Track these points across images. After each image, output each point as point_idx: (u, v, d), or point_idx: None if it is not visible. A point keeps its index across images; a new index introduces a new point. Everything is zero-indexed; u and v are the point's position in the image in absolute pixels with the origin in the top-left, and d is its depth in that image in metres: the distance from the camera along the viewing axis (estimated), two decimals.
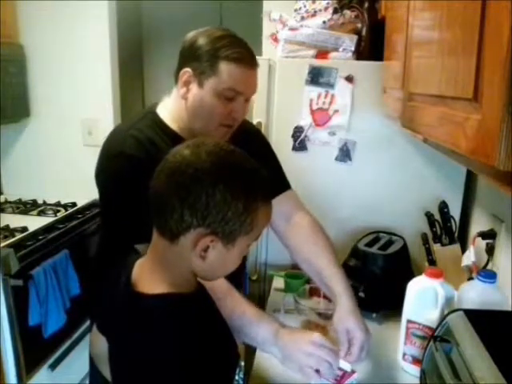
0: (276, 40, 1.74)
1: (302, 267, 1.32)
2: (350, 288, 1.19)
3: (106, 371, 1.03)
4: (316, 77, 1.62)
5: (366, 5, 1.69)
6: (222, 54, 1.07)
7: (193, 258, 0.78)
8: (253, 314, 1.06)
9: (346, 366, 1.07)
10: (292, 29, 1.65)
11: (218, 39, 1.09)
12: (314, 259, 1.25)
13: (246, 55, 1.10)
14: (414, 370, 1.13)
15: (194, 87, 1.11)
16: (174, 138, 1.13)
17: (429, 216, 1.53)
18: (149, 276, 0.82)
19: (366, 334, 1.11)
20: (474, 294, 1.05)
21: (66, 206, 2.45)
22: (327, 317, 1.29)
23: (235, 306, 1.04)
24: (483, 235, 1.33)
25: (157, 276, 0.81)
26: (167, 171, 0.77)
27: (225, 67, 1.07)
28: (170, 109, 1.18)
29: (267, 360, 1.17)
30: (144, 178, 1.05)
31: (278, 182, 1.32)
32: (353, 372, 1.07)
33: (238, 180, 0.76)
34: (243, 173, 0.78)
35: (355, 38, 1.64)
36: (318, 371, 1.02)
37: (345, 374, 1.06)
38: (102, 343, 0.95)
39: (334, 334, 1.17)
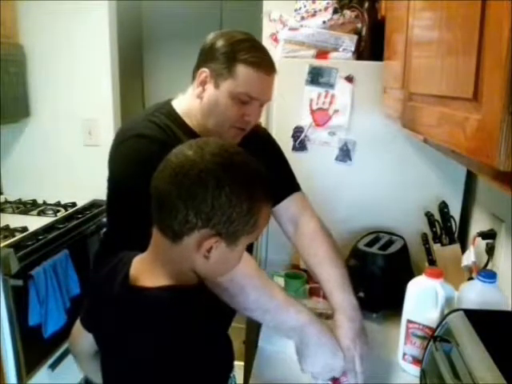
0: (276, 40, 1.74)
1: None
2: (349, 299, 1.14)
3: (87, 368, 1.03)
4: (316, 77, 1.62)
5: (366, 5, 1.69)
6: (240, 57, 1.07)
7: (196, 257, 0.78)
8: (282, 298, 1.01)
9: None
10: (292, 29, 1.65)
11: (238, 42, 1.09)
12: (314, 271, 1.25)
13: (264, 60, 1.10)
14: (414, 370, 1.13)
15: (209, 87, 1.11)
16: (188, 131, 1.14)
17: (429, 216, 1.53)
18: (150, 272, 0.82)
19: (353, 348, 1.07)
20: (474, 294, 1.05)
21: (66, 206, 2.46)
22: (327, 317, 1.29)
23: (264, 287, 1.00)
24: (483, 235, 1.33)
25: (158, 271, 0.81)
26: (170, 172, 0.76)
27: (242, 71, 1.08)
28: (184, 106, 1.18)
29: (267, 360, 1.18)
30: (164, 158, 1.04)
31: (287, 184, 1.32)
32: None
33: (243, 181, 0.76)
34: (247, 174, 0.78)
35: (355, 38, 1.64)
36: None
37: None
38: (86, 340, 0.95)
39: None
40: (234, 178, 0.75)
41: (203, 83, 1.12)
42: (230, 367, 0.87)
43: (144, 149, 1.05)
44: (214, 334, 0.82)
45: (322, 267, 1.22)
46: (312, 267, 1.26)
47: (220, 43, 1.10)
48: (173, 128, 1.12)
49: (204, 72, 1.11)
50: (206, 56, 1.12)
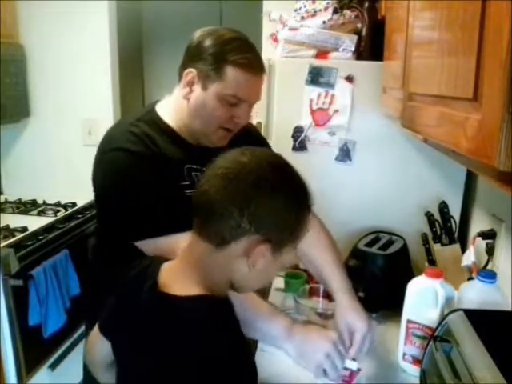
0: (276, 40, 1.74)
1: (304, 264, 1.32)
2: (349, 285, 1.18)
3: (103, 377, 1.00)
4: (316, 77, 1.62)
5: (366, 5, 1.69)
6: (229, 59, 1.04)
7: (240, 264, 0.77)
8: (266, 308, 1.05)
9: (352, 364, 1.07)
10: (292, 29, 1.65)
11: (226, 42, 1.05)
12: (313, 258, 1.25)
13: (253, 61, 1.07)
14: (414, 370, 1.13)
15: (197, 89, 1.08)
16: (172, 135, 1.13)
17: (429, 216, 1.53)
18: (182, 280, 0.80)
19: (367, 324, 1.10)
20: (474, 294, 1.05)
21: (66, 206, 2.46)
22: (327, 317, 1.29)
23: (247, 299, 1.01)
24: (483, 235, 1.33)
25: (192, 280, 0.79)
26: (223, 176, 0.76)
27: (231, 72, 1.04)
28: (170, 107, 1.16)
29: (267, 359, 1.18)
30: (143, 172, 1.04)
31: None
32: (359, 370, 1.07)
33: (296, 191, 0.80)
34: (299, 184, 0.81)
35: (355, 38, 1.64)
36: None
37: (352, 374, 1.06)
38: (102, 349, 0.93)
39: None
40: (288, 187, 0.78)
41: (190, 84, 1.09)
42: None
43: (122, 163, 1.06)
44: (247, 347, 0.81)
45: (322, 253, 1.24)
46: (311, 253, 1.25)
47: (208, 42, 1.06)
48: (154, 137, 1.10)
49: (191, 72, 1.07)
50: (193, 55, 1.08)
